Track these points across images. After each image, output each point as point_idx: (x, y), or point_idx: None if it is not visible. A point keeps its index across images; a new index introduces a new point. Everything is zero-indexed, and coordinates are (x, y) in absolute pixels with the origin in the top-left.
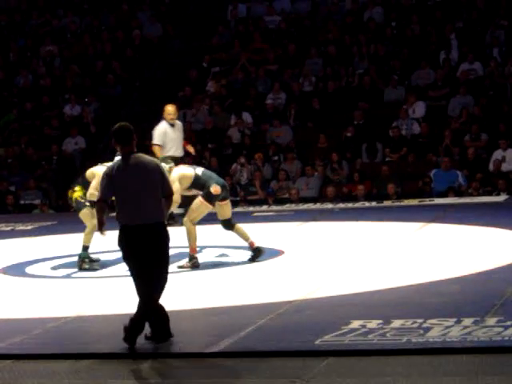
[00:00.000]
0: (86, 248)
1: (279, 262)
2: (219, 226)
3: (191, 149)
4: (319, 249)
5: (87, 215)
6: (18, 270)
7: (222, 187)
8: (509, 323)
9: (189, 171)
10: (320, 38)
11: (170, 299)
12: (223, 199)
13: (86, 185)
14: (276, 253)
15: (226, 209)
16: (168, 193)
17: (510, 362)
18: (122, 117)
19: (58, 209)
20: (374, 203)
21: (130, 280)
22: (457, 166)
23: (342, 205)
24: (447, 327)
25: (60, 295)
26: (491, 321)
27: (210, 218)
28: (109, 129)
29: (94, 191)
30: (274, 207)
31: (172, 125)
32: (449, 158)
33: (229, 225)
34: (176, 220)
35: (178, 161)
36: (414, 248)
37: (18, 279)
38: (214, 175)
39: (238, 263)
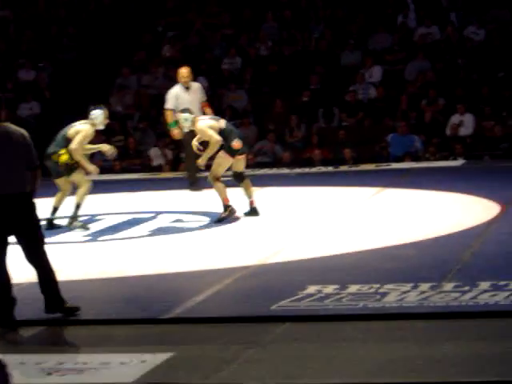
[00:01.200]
0: (78, 206)
1: (235, 227)
2: (175, 192)
3: (209, 110)
4: (276, 214)
5: (81, 176)
6: None
7: (243, 142)
8: (466, 288)
9: (215, 123)
10: (276, 2)
11: (126, 265)
12: (242, 153)
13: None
14: (232, 220)
15: (241, 163)
16: (32, 164)
17: (466, 327)
18: (77, 82)
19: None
20: (330, 168)
21: (84, 246)
22: (413, 130)
23: (298, 170)
24: (404, 292)
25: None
26: (448, 286)
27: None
28: (63, 94)
29: (78, 146)
30: (230, 172)
31: (186, 88)
32: (405, 122)
33: (240, 178)
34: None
35: None
36: (371, 213)
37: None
38: (234, 129)
39: (193, 228)
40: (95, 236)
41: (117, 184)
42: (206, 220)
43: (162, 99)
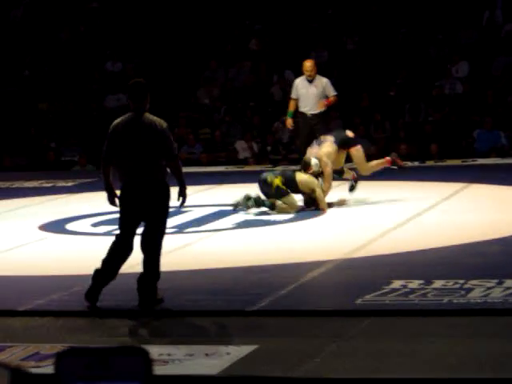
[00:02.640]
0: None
1: (321, 221)
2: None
3: (321, 106)
4: (362, 208)
5: (292, 201)
6: (58, 226)
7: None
8: None
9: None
10: None
11: (212, 257)
12: None
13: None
14: (318, 212)
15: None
16: (169, 156)
17: None
18: (165, 74)
19: (99, 165)
20: (416, 163)
21: (171, 238)
22: (500, 126)
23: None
24: (489, 288)
25: (100, 252)
26: None
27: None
28: (151, 86)
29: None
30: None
31: (310, 81)
32: (492, 117)
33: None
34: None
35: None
36: (456, 209)
37: (58, 236)
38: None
39: (279, 222)
40: (181, 228)
41: (203, 176)
42: (292, 214)
43: (248, 92)
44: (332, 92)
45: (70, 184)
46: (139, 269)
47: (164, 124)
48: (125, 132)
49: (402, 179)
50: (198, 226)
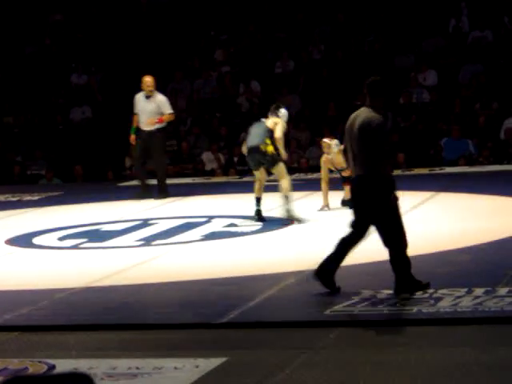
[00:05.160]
0: (287, 198)
1: (288, 231)
2: (228, 196)
3: (150, 123)
4: (329, 218)
5: (283, 169)
6: (24, 240)
7: None
8: None
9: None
10: (328, 5)
11: (179, 269)
12: None
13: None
14: (285, 223)
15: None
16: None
17: None
18: (129, 85)
19: (65, 179)
20: None
21: (138, 251)
22: (467, 134)
23: None
24: (458, 297)
25: (67, 266)
26: (502, 291)
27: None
28: (115, 98)
29: (281, 134)
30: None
31: (147, 97)
32: (459, 126)
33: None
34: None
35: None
36: (425, 217)
37: (24, 250)
38: None
39: (246, 233)
40: (148, 240)
41: (170, 188)
42: (259, 224)
43: (214, 103)
44: (167, 110)
45: (36, 198)
46: (106, 283)
47: (377, 119)
48: (347, 125)
49: None
50: (165, 238)
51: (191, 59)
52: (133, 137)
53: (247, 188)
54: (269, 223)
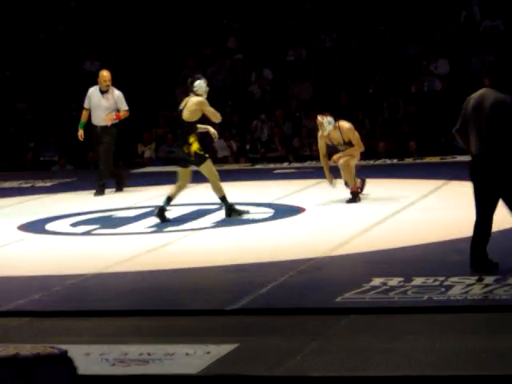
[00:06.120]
0: (223, 198)
1: (300, 219)
2: (239, 184)
3: (108, 120)
4: (340, 206)
5: (210, 167)
6: (37, 226)
7: None
8: None
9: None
10: None
11: (190, 257)
12: None
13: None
14: (297, 210)
15: None
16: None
17: None
18: (143, 73)
19: (77, 165)
20: (395, 160)
21: (150, 237)
22: None
23: (363, 162)
24: (468, 285)
25: (79, 252)
26: None
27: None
28: (129, 85)
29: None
30: (295, 164)
31: (103, 92)
32: None
33: None
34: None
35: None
36: (436, 206)
37: (37, 236)
38: None
39: (258, 220)
40: (160, 227)
41: None
42: (270, 212)
43: (226, 91)
44: (124, 106)
45: (48, 184)
46: (118, 269)
47: (510, 100)
48: (474, 105)
49: (381, 177)
50: (178, 225)
51: (203, 47)
52: (81, 132)
53: (259, 175)
54: (280, 210)
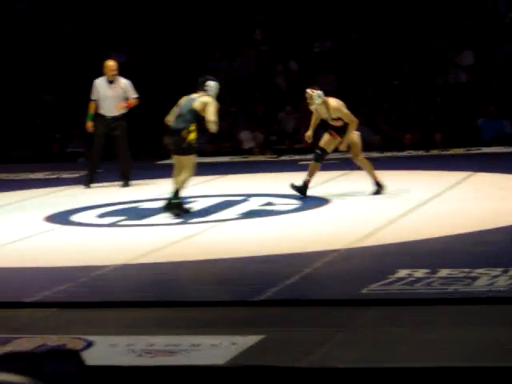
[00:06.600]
0: (177, 192)
1: (325, 210)
2: (265, 175)
3: (120, 109)
4: (365, 197)
5: (193, 162)
6: (63, 218)
7: None
8: None
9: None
10: None
11: (216, 247)
12: None
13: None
14: (322, 202)
15: None
16: None
17: None
18: (169, 65)
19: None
20: (420, 152)
21: (176, 229)
22: (504, 115)
23: (388, 153)
24: (494, 277)
25: (106, 243)
26: None
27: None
28: (155, 77)
29: (216, 118)
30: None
31: (110, 82)
32: (496, 106)
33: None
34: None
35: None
36: (461, 198)
37: (63, 227)
38: None
39: (284, 211)
40: (186, 218)
41: (207, 167)
42: (296, 203)
43: (252, 82)
44: (133, 94)
45: (75, 175)
46: (144, 260)
47: None
48: None
49: (406, 168)
50: (203, 216)
51: (230, 39)
52: (89, 124)
53: (284, 167)
54: (306, 201)
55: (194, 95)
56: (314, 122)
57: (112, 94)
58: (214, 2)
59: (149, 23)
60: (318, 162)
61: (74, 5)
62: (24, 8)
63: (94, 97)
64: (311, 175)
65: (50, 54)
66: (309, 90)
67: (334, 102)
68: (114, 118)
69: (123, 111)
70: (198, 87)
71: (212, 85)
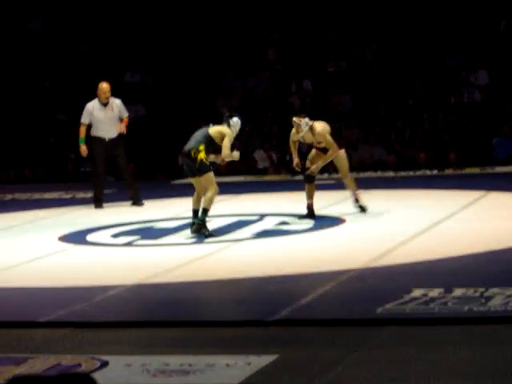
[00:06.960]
0: (206, 211)
1: (340, 230)
2: (280, 194)
3: (122, 129)
4: (380, 217)
5: (211, 178)
6: (78, 237)
7: None
8: None
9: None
10: (379, 5)
11: (231, 267)
12: None
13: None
14: (337, 221)
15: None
16: None
17: None
18: (183, 84)
19: (117, 177)
20: (435, 171)
21: (190, 248)
22: None
23: (403, 173)
24: (509, 296)
25: (120, 263)
26: None
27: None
28: (169, 96)
29: (228, 151)
30: (335, 175)
31: (104, 104)
32: (510, 126)
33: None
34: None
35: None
36: (475, 217)
37: (78, 247)
38: None
39: (298, 231)
40: (200, 238)
41: (222, 186)
42: (310, 222)
43: (266, 102)
44: (125, 113)
45: (89, 195)
46: (159, 280)
47: None
48: None
49: (420, 188)
50: (217, 236)
51: (244, 58)
52: (84, 147)
53: (299, 186)
54: (320, 221)
55: (215, 126)
56: (294, 149)
57: (108, 116)
58: (228, 22)
59: (163, 43)
60: (312, 183)
61: (89, 25)
62: (39, 28)
63: (86, 120)
64: (311, 197)
65: (64, 73)
66: (295, 119)
67: (319, 127)
68: (113, 140)
69: (124, 131)
70: (224, 121)
71: (235, 121)
